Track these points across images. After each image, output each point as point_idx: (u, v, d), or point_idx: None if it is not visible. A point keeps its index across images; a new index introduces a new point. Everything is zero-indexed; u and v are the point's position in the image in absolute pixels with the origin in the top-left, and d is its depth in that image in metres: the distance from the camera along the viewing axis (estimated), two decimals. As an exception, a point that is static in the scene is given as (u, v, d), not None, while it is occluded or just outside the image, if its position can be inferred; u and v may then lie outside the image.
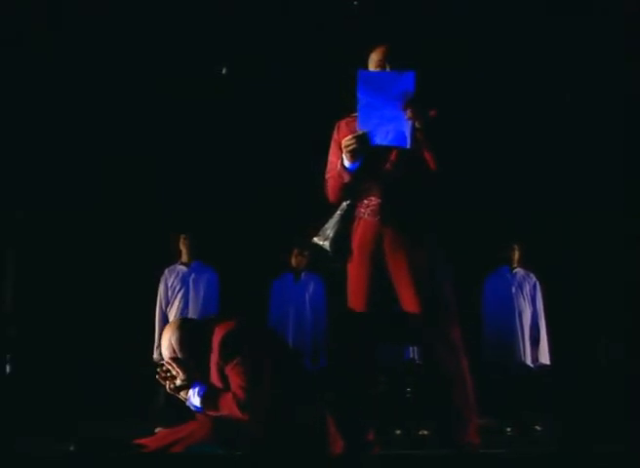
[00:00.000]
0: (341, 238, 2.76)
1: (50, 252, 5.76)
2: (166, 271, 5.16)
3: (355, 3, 4.82)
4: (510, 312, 5.09)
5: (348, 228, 2.77)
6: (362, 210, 2.75)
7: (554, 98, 5.48)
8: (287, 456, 2.51)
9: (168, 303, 5.07)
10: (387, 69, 2.70)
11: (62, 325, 5.69)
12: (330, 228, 2.78)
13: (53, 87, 5.31)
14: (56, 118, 5.50)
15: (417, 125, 2.56)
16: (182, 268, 5.14)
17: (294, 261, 5.40)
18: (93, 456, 2.53)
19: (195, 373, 2.66)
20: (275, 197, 5.80)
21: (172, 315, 5.02)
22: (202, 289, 5.09)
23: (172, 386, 2.68)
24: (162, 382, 2.70)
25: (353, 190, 2.74)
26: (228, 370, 2.58)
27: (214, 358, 2.61)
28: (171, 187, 5.90)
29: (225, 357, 2.58)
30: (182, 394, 2.67)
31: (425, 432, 4.50)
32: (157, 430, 4.27)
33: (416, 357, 4.83)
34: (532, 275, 5.18)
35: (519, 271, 5.19)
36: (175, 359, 2.67)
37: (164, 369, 2.69)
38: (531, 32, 5.14)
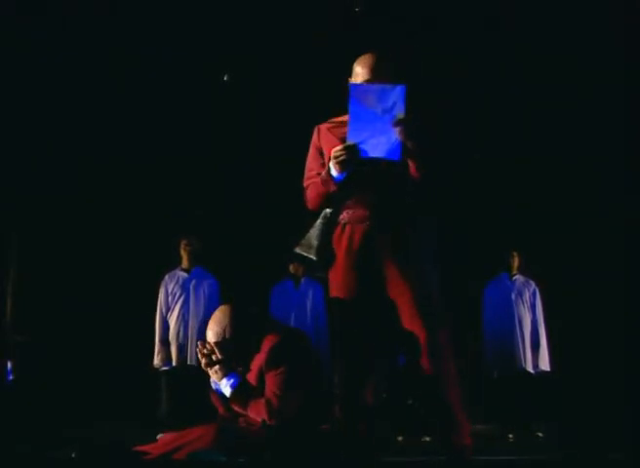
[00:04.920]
0: (327, 246, 2.73)
1: (50, 257, 5.75)
2: (166, 277, 5.15)
3: (357, 10, 4.84)
4: (510, 319, 5.10)
5: (331, 236, 2.75)
6: (347, 216, 2.72)
7: (554, 104, 5.49)
8: (289, 463, 2.52)
9: (168, 309, 5.06)
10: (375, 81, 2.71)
11: (63, 331, 5.68)
12: (314, 237, 2.74)
13: (65, 87, 5.31)
14: (57, 124, 5.50)
15: (408, 146, 2.57)
16: (183, 274, 5.13)
17: (292, 268, 5.41)
18: (95, 463, 2.53)
19: (233, 363, 2.73)
20: (276, 203, 5.80)
21: (172, 321, 5.02)
22: (202, 295, 5.09)
23: (205, 361, 2.74)
24: (200, 357, 2.76)
25: (336, 198, 2.72)
26: (269, 376, 2.66)
27: (259, 359, 2.69)
28: (171, 192, 5.90)
29: (272, 363, 2.65)
30: (214, 376, 2.73)
31: (427, 438, 4.50)
32: (159, 436, 4.27)
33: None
34: (531, 282, 5.19)
35: (519, 278, 5.20)
36: (220, 343, 2.73)
37: (208, 348, 2.74)
38: (522, 38, 5.16)
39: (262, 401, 2.62)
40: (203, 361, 2.74)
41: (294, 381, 2.62)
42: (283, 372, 2.63)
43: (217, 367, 2.72)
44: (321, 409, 2.71)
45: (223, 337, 2.74)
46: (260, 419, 2.61)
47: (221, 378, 2.71)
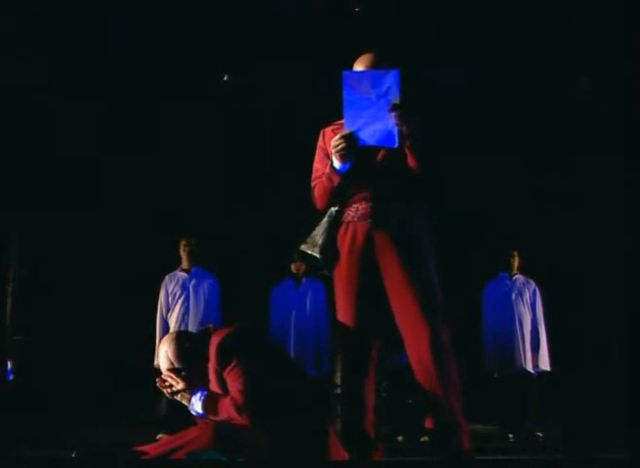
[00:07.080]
0: (331, 244, 2.76)
1: (50, 257, 5.76)
2: (166, 277, 5.13)
3: (357, 10, 4.85)
4: (510, 318, 5.09)
5: (336, 234, 2.77)
6: (351, 214, 2.74)
7: (554, 104, 5.49)
8: (288, 463, 2.51)
9: (168, 310, 5.05)
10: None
11: (63, 331, 5.69)
12: (319, 235, 2.77)
13: (64, 87, 5.31)
14: (56, 124, 5.50)
15: (403, 131, 2.58)
16: (183, 274, 5.12)
17: (294, 267, 5.41)
18: (95, 463, 2.53)
19: (194, 382, 2.69)
20: (276, 203, 5.80)
21: (172, 321, 5.01)
22: (202, 295, 5.07)
23: (169, 391, 2.72)
24: (162, 389, 2.74)
25: (341, 195, 2.75)
26: (226, 375, 2.60)
27: (212, 365, 2.64)
28: (172, 193, 5.91)
29: (222, 362, 2.60)
30: (184, 401, 2.70)
31: (427, 438, 4.50)
32: (159, 436, 4.27)
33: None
34: (531, 281, 5.18)
35: (519, 277, 5.20)
36: (172, 370, 2.71)
37: (163, 378, 2.73)
38: (520, 36, 5.16)
39: (228, 401, 2.57)
40: (167, 392, 2.72)
41: (251, 370, 2.56)
42: (236, 365, 2.56)
43: (181, 392, 2.69)
44: (304, 396, 2.66)
45: (173, 363, 2.71)
46: (234, 419, 2.55)
47: (190, 400, 2.67)
